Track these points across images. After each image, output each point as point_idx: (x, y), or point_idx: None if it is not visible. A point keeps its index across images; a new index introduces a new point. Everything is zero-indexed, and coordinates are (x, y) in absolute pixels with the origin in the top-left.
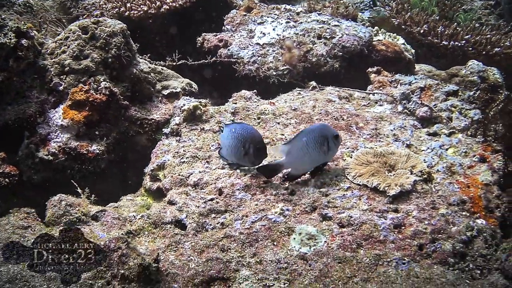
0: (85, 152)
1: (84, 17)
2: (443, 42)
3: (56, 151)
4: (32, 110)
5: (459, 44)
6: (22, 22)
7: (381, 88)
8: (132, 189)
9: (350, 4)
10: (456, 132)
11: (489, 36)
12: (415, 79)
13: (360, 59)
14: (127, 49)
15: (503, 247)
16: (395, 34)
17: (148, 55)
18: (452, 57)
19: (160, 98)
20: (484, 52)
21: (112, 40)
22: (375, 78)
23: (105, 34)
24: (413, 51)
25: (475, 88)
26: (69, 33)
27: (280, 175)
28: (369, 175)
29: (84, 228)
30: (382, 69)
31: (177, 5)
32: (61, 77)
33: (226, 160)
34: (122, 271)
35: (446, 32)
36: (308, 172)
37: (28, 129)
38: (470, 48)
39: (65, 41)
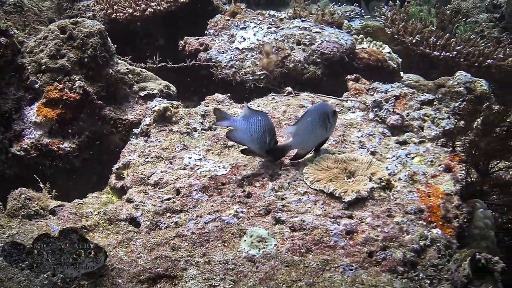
0: (56, 149)
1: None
2: (435, 52)
3: (28, 147)
4: (8, 106)
5: (450, 55)
6: (2, 21)
7: (356, 95)
8: (104, 188)
9: (336, 12)
10: (426, 141)
11: (482, 47)
12: (392, 87)
13: (341, 67)
14: (104, 49)
15: (455, 257)
16: (381, 43)
17: (130, 56)
18: (446, 68)
19: (136, 99)
20: (476, 64)
21: (89, 40)
22: (352, 85)
23: (83, 35)
24: (399, 60)
25: (460, 99)
26: (48, 33)
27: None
28: (327, 181)
29: (40, 221)
30: (360, 77)
31: (161, 9)
32: (38, 75)
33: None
34: None
35: (438, 43)
36: (312, 150)
37: (4, 125)
38: (462, 60)
39: (44, 40)
